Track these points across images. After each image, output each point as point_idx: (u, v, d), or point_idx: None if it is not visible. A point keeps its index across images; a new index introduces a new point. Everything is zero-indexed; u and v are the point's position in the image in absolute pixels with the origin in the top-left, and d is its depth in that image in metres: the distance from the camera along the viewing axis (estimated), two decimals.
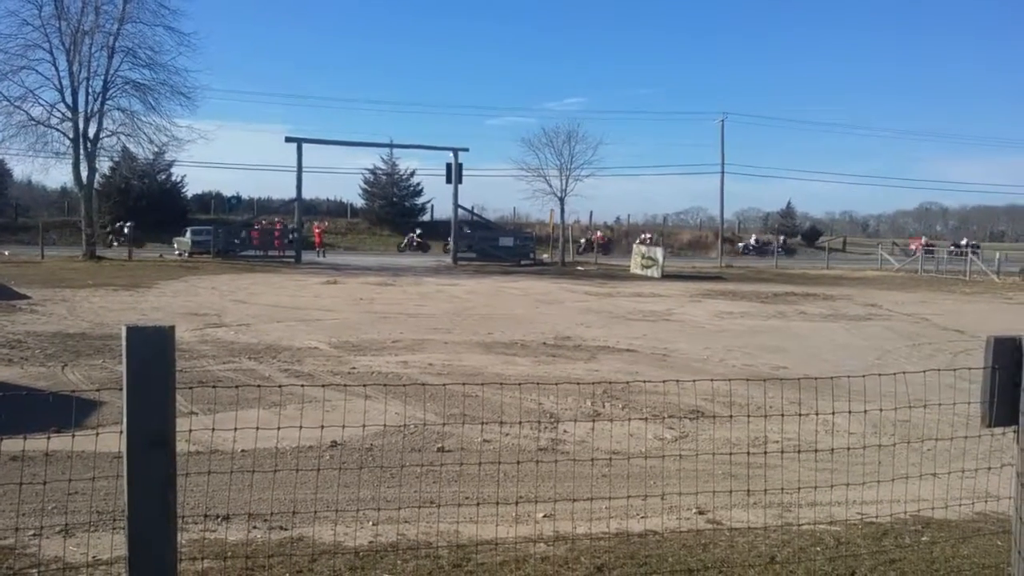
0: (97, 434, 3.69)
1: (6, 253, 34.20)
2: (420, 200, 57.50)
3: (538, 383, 8.82)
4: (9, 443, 5.44)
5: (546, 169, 40.45)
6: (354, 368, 10.38)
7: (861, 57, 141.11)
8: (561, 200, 40.79)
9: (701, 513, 5.14)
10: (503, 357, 11.55)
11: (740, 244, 56.16)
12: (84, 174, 33.27)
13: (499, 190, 75.61)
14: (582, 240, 48.20)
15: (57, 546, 4.19)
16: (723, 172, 46.81)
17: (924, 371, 4.09)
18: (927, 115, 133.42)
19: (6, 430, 4.79)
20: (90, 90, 32.49)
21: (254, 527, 4.60)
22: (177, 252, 38.55)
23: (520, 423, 7.02)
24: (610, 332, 14.65)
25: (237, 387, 7.87)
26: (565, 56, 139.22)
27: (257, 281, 25.23)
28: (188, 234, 38.99)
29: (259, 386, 8.30)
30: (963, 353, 12.88)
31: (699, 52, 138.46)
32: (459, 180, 38.92)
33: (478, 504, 4.65)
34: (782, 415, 6.51)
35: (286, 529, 4.59)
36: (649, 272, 33.53)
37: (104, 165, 37.83)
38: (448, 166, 38.86)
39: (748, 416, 7.49)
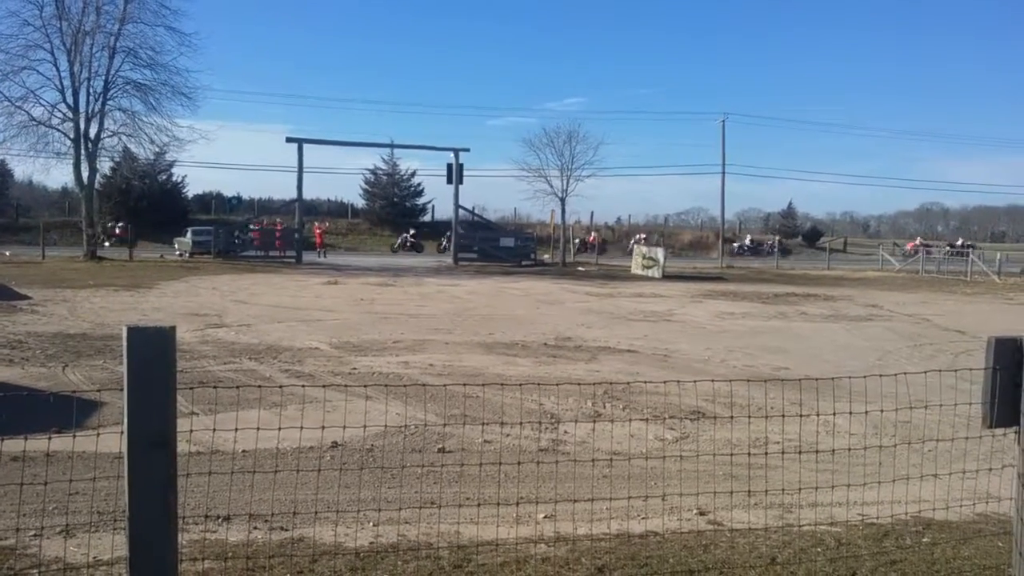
0: (98, 435, 3.70)
1: (7, 253, 34.23)
2: (421, 200, 57.59)
3: (539, 384, 8.81)
4: (10, 443, 5.45)
5: (547, 169, 40.61)
6: (355, 368, 10.38)
7: (861, 57, 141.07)
8: (562, 200, 40.89)
9: (702, 514, 5.14)
10: (504, 358, 11.55)
11: (735, 244, 56.09)
12: (85, 174, 33.37)
13: (500, 190, 76.01)
14: (576, 240, 48.19)
15: (58, 547, 4.19)
16: (724, 173, 46.89)
17: (925, 372, 4.08)
18: (927, 115, 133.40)
19: (7, 430, 4.80)
20: (91, 90, 32.65)
21: (255, 528, 4.60)
22: (178, 252, 38.59)
23: (521, 424, 7.01)
24: (611, 333, 14.64)
25: (238, 387, 7.88)
26: (565, 56, 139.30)
27: (258, 281, 25.24)
28: (189, 234, 39.05)
29: (260, 387, 8.31)
30: (964, 354, 12.87)
31: (699, 52, 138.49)
32: (460, 180, 38.93)
33: (479, 505, 4.66)
34: (783, 416, 6.52)
35: (287, 530, 4.59)
36: (650, 272, 33.53)
37: (105, 165, 37.88)
38: (449, 166, 38.88)
39: (749, 417, 7.49)
